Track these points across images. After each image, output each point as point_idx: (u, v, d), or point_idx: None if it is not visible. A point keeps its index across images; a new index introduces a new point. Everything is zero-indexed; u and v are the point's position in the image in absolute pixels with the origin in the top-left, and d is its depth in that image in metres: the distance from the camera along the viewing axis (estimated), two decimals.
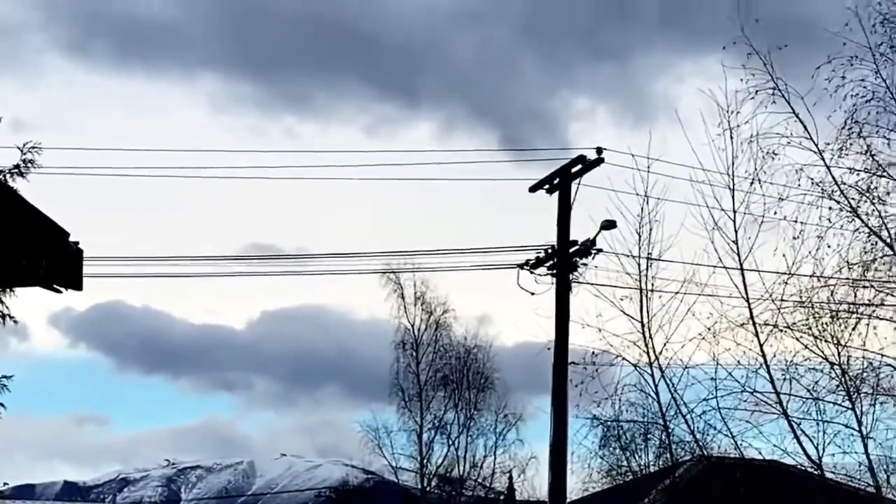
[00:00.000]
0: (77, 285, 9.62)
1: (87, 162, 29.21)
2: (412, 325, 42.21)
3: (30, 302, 16.50)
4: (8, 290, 14.76)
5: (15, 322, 16.70)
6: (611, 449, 34.54)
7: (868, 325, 21.09)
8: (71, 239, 9.50)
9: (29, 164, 17.33)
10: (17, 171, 17.13)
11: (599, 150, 25.90)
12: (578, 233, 26.00)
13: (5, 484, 35.16)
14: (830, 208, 20.90)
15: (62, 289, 9.61)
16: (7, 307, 15.78)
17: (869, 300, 21.29)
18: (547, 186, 26.60)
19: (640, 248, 23.36)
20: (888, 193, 21.00)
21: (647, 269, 23.03)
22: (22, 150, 17.46)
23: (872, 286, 21.16)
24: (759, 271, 21.41)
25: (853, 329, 21.14)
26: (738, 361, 21.44)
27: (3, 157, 17.29)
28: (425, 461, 41.53)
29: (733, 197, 21.31)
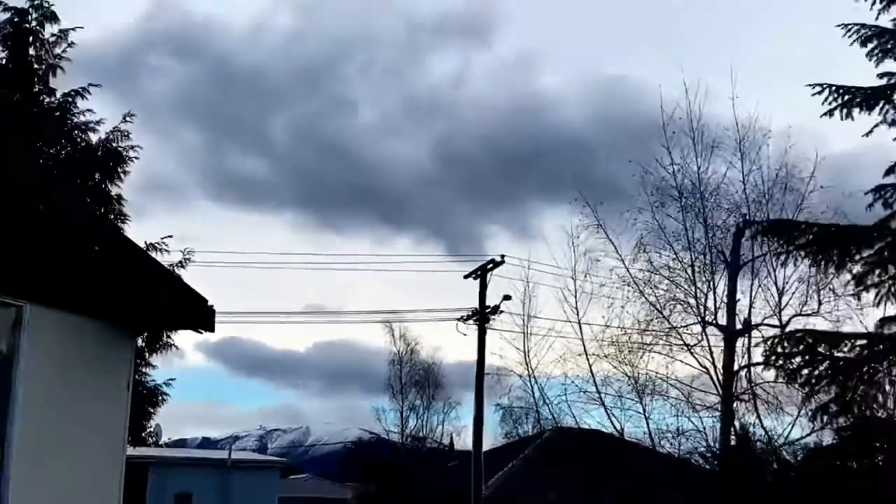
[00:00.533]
0: (211, 329, 11.50)
1: (223, 259, 42.11)
2: (398, 351, 59.58)
3: (186, 337, 23.67)
4: (173, 331, 21.89)
5: (177, 348, 23.99)
6: (507, 422, 44.23)
7: (648, 355, 28.58)
8: (208, 303, 11.32)
9: (186, 261, 23.78)
10: (180, 264, 23.54)
11: (503, 257, 36.18)
12: (491, 300, 35.88)
13: (169, 438, 48.38)
14: (628, 291, 28.48)
15: (203, 331, 11.66)
16: (173, 340, 23.40)
17: (649, 342, 28.49)
18: (473, 276, 36.54)
19: (524, 309, 32.52)
20: (658, 283, 28.39)
21: (526, 322, 31.90)
22: (183, 253, 23.83)
23: (651, 334, 28.43)
24: (589, 324, 29.21)
25: (640, 357, 28.58)
26: (578, 375, 29.33)
27: (173, 257, 23.33)
28: (404, 427, 59.91)
29: (575, 283, 29.48)
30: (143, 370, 24.19)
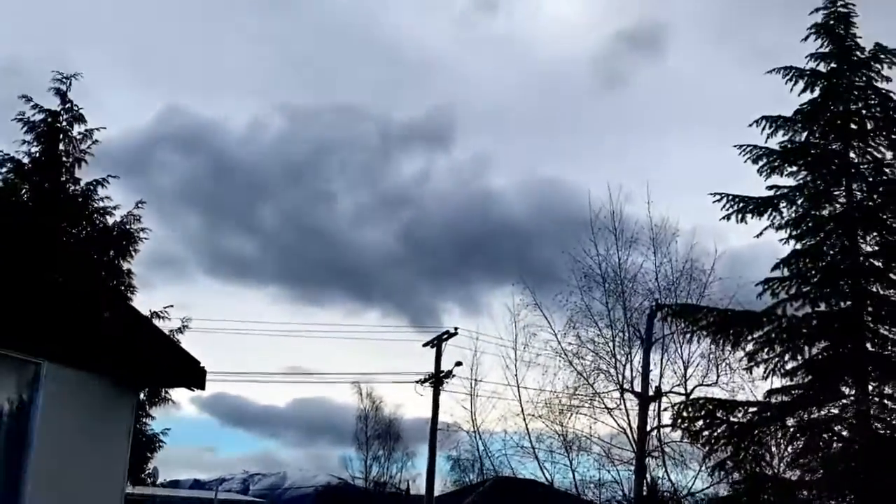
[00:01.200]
0: (202, 387, 11.58)
1: (217, 326, 42.30)
2: (365, 408, 59.03)
3: (182, 392, 22.36)
4: (171, 388, 21.60)
5: (173, 402, 23.88)
6: (455, 471, 44.21)
7: (575, 416, 28.78)
8: (201, 365, 11.43)
9: (185, 328, 23.65)
10: (179, 330, 23.47)
11: (456, 329, 36.96)
12: (445, 365, 36.38)
13: (165, 479, 47.63)
14: (559, 361, 28.69)
15: (195, 388, 11.73)
16: (170, 395, 23.20)
17: (576, 405, 28.70)
18: (431, 345, 36.97)
19: (472, 374, 32.92)
20: (585, 355, 28.61)
21: (473, 385, 32.22)
22: (182, 321, 23.73)
23: (578, 398, 28.62)
24: (526, 388, 29.32)
25: (568, 418, 28.73)
26: (516, 431, 29.38)
27: (173, 324, 23.14)
28: (368, 474, 59.15)
29: (515, 352, 29.51)
30: (144, 420, 23.87)
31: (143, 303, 22.36)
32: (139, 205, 24.27)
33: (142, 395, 21.50)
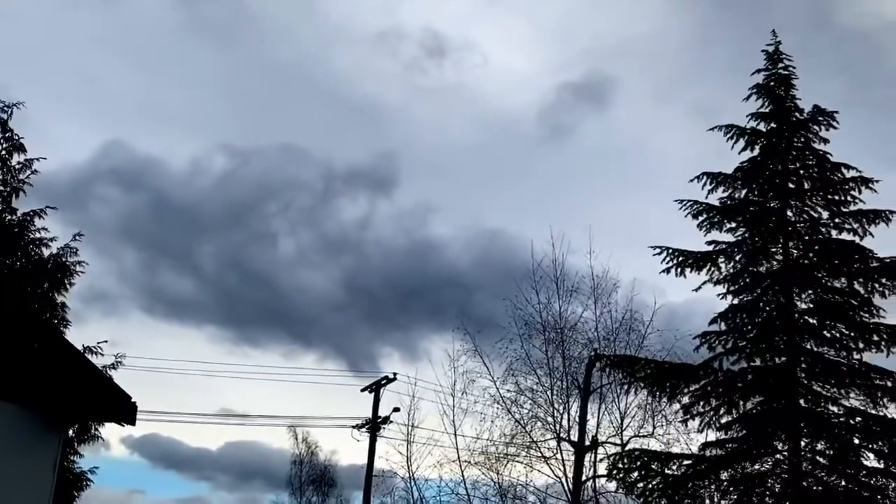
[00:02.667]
0: (132, 423, 11.75)
1: (150, 364, 41.46)
2: (300, 453, 55.30)
3: (112, 430, 23.80)
4: (101, 423, 21.42)
5: (103, 440, 23.50)
6: None
7: (512, 464, 28.44)
8: (132, 400, 11.57)
9: (118, 364, 23.33)
10: (112, 366, 23.03)
11: (395, 374, 36.34)
12: (383, 411, 35.79)
13: None
14: (497, 408, 28.57)
15: (125, 424, 11.88)
16: (100, 433, 22.75)
17: (513, 453, 28.45)
18: (369, 390, 36.51)
19: (408, 419, 31.73)
20: (523, 403, 28.44)
21: (410, 432, 31.13)
22: (116, 357, 23.39)
23: (515, 446, 28.39)
24: (463, 435, 28.80)
25: (505, 466, 28.44)
26: (451, 479, 28.94)
27: (106, 360, 22.80)
28: None
29: (453, 399, 28.91)
30: (71, 457, 23.26)
31: (76, 337, 21.64)
32: (76, 237, 24.05)
33: (70, 432, 21.00)
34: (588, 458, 27.84)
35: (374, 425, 36.23)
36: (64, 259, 23.43)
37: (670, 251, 21.81)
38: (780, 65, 22.42)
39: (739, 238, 21.71)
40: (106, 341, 23.42)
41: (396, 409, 34.64)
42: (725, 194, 21.95)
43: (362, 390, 37.36)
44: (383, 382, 36.84)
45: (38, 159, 23.86)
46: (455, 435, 28.90)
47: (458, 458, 28.81)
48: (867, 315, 20.50)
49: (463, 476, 28.87)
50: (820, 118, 21.89)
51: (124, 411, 11.63)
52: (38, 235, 23.51)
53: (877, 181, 21.25)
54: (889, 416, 19.88)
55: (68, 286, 23.34)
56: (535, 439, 28.23)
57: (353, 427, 36.94)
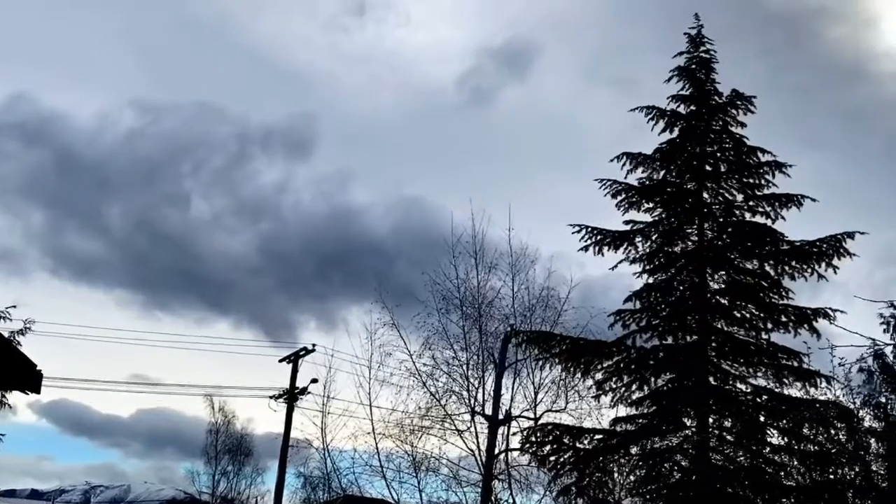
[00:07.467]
0: (37, 391, 11.34)
1: (59, 330, 39.90)
2: (216, 422, 55.49)
3: (19, 396, 21.97)
4: (4, 391, 20.32)
5: (10, 406, 22.80)
6: (305, 489, 42.27)
7: (426, 437, 27.98)
8: (37, 368, 11.15)
9: (27, 329, 22.61)
10: (20, 332, 22.43)
11: (314, 345, 36.01)
12: (302, 382, 35.43)
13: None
14: (413, 381, 27.95)
15: (30, 392, 11.51)
16: (7, 399, 21.82)
17: (427, 426, 28.02)
18: (287, 360, 36.16)
19: (325, 391, 31.20)
20: (439, 377, 27.98)
21: (326, 404, 30.67)
22: (24, 322, 22.66)
23: (429, 419, 27.95)
24: (378, 407, 28.20)
25: (419, 438, 27.94)
26: (366, 451, 28.48)
27: (14, 325, 22.04)
28: (215, 490, 55.47)
29: (370, 371, 28.25)
30: None
31: None
32: None
33: None
34: (501, 431, 27.62)
35: (291, 396, 35.86)
36: None
37: (589, 229, 21.74)
38: (703, 48, 22.49)
39: (656, 218, 21.75)
40: (14, 306, 22.44)
41: (314, 381, 33.97)
42: (644, 175, 21.96)
43: (280, 360, 37.02)
44: (301, 353, 36.45)
45: None
46: (370, 407, 28.44)
47: (373, 429, 28.33)
48: (777, 297, 20.70)
49: (377, 448, 28.48)
50: (738, 102, 21.99)
51: (28, 379, 11.08)
52: None
53: (790, 166, 21.49)
54: (794, 395, 20.07)
55: None
56: (449, 413, 27.93)
57: (271, 398, 36.54)
